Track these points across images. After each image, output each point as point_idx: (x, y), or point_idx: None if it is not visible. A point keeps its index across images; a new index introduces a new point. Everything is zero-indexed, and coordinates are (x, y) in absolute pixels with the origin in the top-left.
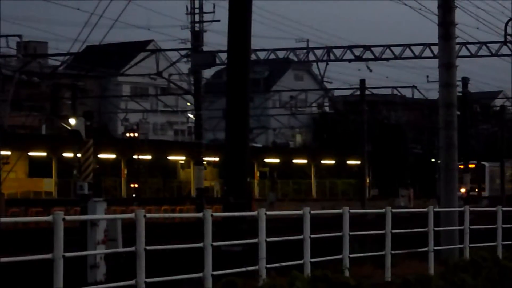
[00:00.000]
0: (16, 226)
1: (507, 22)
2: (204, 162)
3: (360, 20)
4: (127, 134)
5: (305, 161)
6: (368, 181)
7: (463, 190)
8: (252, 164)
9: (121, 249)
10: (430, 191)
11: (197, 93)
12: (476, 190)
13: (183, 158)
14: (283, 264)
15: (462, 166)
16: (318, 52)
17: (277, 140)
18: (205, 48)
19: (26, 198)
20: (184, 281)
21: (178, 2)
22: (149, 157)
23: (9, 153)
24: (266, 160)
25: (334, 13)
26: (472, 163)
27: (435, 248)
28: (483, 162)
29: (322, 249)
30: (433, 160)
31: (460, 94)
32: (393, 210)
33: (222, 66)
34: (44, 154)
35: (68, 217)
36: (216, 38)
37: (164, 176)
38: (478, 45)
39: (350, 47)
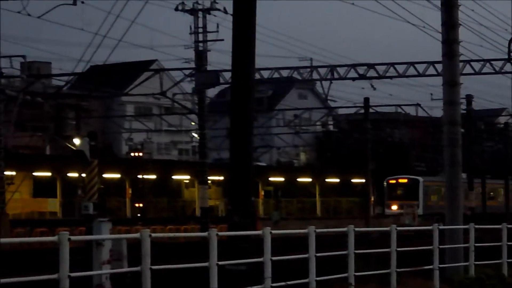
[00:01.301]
0: (21, 247)
1: (511, 39)
2: (209, 182)
3: (364, 38)
4: (132, 154)
5: (309, 179)
6: (372, 199)
7: (394, 207)
8: (257, 183)
9: (126, 269)
10: None
11: (201, 113)
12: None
13: (188, 177)
14: (289, 283)
15: (405, 180)
16: (322, 71)
17: (281, 159)
18: (208, 68)
19: (30, 218)
20: None
21: (182, 21)
22: (153, 176)
23: (13, 173)
24: (271, 178)
25: (337, 31)
26: (403, 178)
27: (440, 265)
28: (416, 177)
29: (327, 267)
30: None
31: (464, 111)
32: (398, 228)
33: (226, 85)
34: (49, 174)
35: (73, 237)
36: (220, 57)
37: (169, 195)
38: (482, 62)
39: (353, 66)
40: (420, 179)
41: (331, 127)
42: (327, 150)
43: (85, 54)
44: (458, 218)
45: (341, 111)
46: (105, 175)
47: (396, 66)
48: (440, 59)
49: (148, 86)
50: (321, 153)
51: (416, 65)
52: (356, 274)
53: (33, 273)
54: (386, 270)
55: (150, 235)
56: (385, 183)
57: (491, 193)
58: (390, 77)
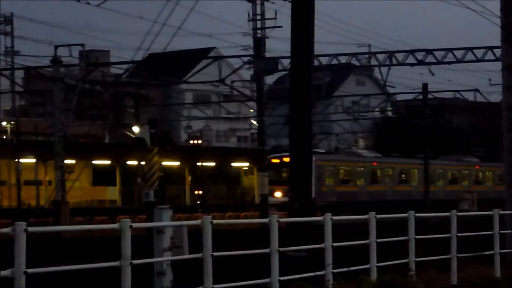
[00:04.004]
0: (81, 235)
1: None
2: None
3: (422, 24)
4: (191, 142)
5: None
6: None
7: (278, 194)
8: None
9: (187, 256)
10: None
11: (259, 100)
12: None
13: (247, 164)
14: (351, 269)
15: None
16: (380, 57)
17: (340, 146)
18: (267, 55)
19: (90, 206)
20: (250, 286)
21: (240, 9)
22: (212, 164)
23: (73, 162)
24: None
25: (395, 17)
26: (286, 156)
27: (501, 251)
28: None
29: (385, 253)
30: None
31: None
32: (458, 214)
33: (285, 72)
34: (108, 162)
35: (135, 224)
36: (278, 44)
37: (228, 183)
38: None
39: (412, 51)
40: (313, 157)
41: (389, 113)
42: (386, 136)
43: (144, 42)
44: None
45: (400, 97)
46: (164, 163)
47: (454, 51)
48: (499, 44)
49: (206, 74)
50: (380, 139)
51: (475, 50)
52: (417, 259)
53: (95, 261)
54: (446, 256)
55: (211, 222)
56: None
57: None
58: (449, 63)
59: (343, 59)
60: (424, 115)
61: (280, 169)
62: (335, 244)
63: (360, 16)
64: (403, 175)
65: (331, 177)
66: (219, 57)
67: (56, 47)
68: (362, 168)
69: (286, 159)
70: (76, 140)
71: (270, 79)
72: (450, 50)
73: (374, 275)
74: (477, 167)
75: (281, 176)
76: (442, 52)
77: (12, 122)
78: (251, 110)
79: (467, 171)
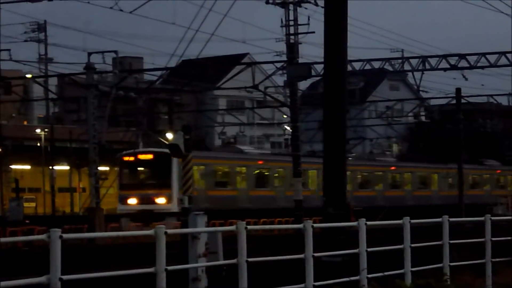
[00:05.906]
0: (115, 241)
1: None
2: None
3: (454, 28)
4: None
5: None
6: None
7: (132, 201)
8: None
9: (222, 261)
10: None
11: (293, 105)
12: (157, 199)
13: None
14: (386, 273)
15: (149, 156)
16: (413, 62)
17: (374, 151)
18: (300, 60)
19: None
20: None
21: (273, 14)
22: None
23: (107, 168)
24: None
25: (428, 22)
26: (146, 152)
27: None
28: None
29: (419, 258)
30: None
31: None
32: (492, 218)
33: (318, 78)
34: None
35: (169, 231)
36: (311, 49)
37: None
38: None
39: (445, 56)
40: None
41: (423, 118)
42: (420, 141)
43: (178, 49)
44: None
45: (433, 102)
46: None
47: (487, 55)
48: None
49: (240, 80)
50: (414, 144)
51: (508, 55)
52: (451, 264)
53: (130, 267)
54: (481, 260)
55: (246, 228)
56: (118, 162)
57: None
58: (482, 67)
59: (376, 64)
60: (457, 120)
61: (135, 169)
62: (369, 249)
63: (393, 21)
64: None
65: (202, 179)
66: (253, 63)
67: (90, 54)
68: (243, 168)
69: (143, 157)
70: (110, 146)
71: (303, 85)
72: (483, 54)
73: (409, 279)
74: (393, 168)
75: (137, 178)
76: (475, 57)
77: (46, 129)
78: (285, 116)
79: (381, 173)
